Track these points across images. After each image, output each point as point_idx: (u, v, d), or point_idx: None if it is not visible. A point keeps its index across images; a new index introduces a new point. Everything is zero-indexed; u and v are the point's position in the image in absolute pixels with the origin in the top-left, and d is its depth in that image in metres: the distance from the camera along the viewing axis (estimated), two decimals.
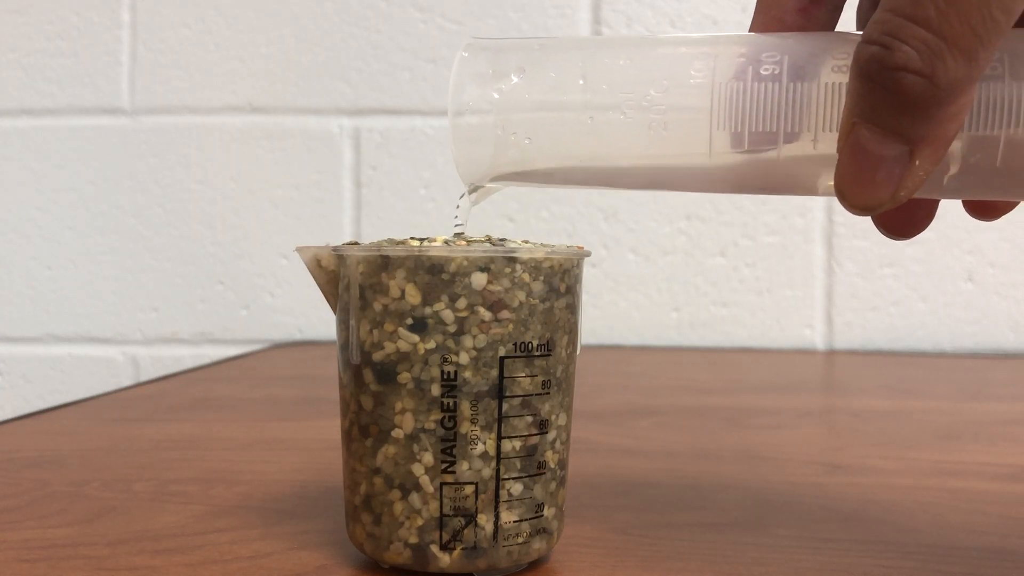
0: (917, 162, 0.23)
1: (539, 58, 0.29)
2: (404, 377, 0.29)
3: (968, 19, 0.21)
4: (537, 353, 0.29)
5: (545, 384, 0.30)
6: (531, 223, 0.97)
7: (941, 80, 0.22)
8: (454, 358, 0.28)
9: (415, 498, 0.29)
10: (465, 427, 0.29)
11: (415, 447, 0.29)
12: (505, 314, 0.29)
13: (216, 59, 0.99)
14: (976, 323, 0.94)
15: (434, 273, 0.28)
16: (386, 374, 0.29)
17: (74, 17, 1.00)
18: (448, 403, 0.29)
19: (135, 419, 0.58)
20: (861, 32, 0.24)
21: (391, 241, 0.30)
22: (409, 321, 0.29)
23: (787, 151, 0.26)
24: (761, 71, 0.26)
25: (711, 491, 0.41)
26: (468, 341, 0.28)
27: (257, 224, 0.99)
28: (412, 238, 0.30)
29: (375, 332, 0.29)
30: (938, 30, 0.21)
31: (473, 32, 0.97)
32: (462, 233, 0.31)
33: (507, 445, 0.29)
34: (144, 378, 0.98)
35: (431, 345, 0.28)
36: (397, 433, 0.29)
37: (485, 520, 0.29)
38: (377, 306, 0.29)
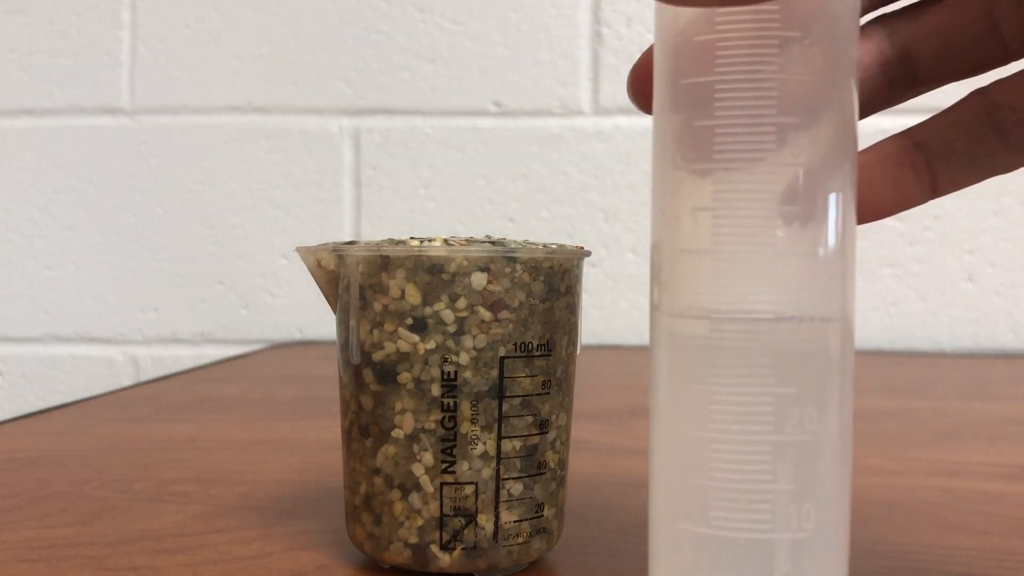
0: None
1: None
2: (404, 377, 0.29)
3: None
4: (537, 353, 0.29)
5: (545, 384, 0.30)
6: (531, 223, 0.97)
7: None
8: (454, 358, 0.28)
9: (415, 498, 0.29)
10: (465, 427, 0.29)
11: (415, 447, 0.29)
12: (505, 314, 0.29)
13: (216, 59, 0.99)
14: (976, 323, 0.94)
15: (434, 273, 0.28)
16: (386, 374, 0.29)
17: (74, 17, 1.00)
18: (448, 403, 0.29)
19: (135, 419, 0.58)
20: None
21: (391, 241, 0.30)
22: (409, 321, 0.29)
23: None
24: None
25: None
26: (468, 341, 0.28)
27: (257, 224, 0.99)
28: (412, 238, 0.30)
29: (375, 332, 0.29)
30: None
31: (473, 32, 0.97)
32: None
33: (507, 445, 0.29)
34: (144, 378, 0.98)
35: (431, 345, 0.28)
36: (397, 433, 0.29)
37: (485, 520, 0.29)
38: (377, 306, 0.29)
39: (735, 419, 0.23)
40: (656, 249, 0.25)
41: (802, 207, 0.23)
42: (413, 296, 0.29)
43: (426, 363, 0.29)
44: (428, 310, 0.28)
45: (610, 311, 0.97)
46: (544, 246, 0.30)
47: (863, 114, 0.25)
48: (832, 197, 0.24)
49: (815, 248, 0.23)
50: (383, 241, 0.30)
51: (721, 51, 0.23)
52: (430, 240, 0.30)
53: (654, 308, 0.25)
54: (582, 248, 0.31)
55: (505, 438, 0.29)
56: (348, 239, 0.97)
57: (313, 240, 0.97)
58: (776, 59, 0.23)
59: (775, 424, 0.23)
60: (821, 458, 0.24)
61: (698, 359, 0.24)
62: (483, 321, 0.29)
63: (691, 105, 0.24)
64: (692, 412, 0.24)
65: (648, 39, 0.96)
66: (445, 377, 0.29)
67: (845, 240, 0.24)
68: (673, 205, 0.24)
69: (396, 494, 0.29)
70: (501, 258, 0.29)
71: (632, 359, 0.89)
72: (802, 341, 0.24)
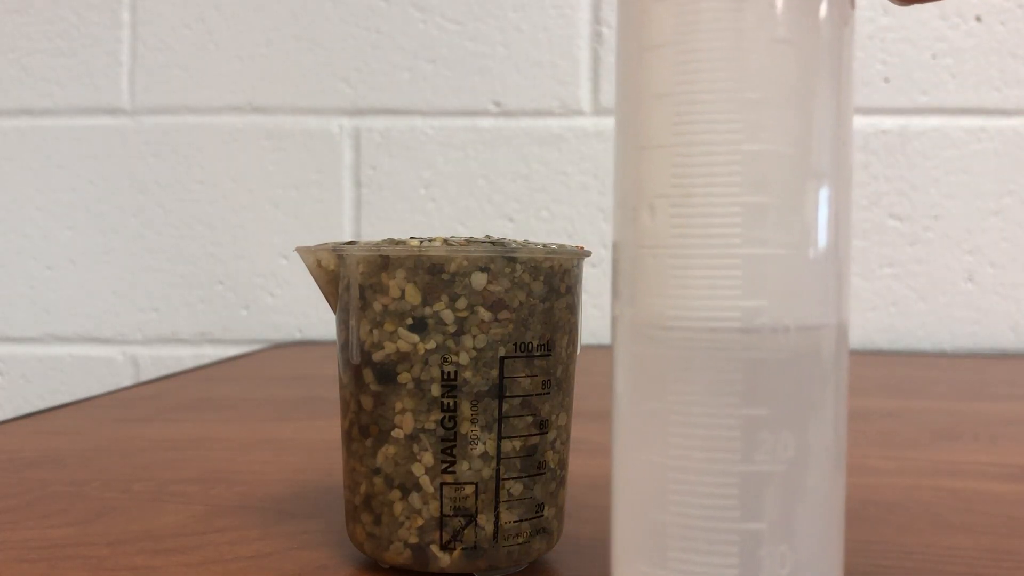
0: None
1: None
2: (404, 377, 0.29)
3: None
4: (537, 353, 0.29)
5: (545, 384, 0.30)
6: (531, 223, 0.97)
7: None
8: (454, 358, 0.28)
9: (415, 498, 0.29)
10: (465, 427, 0.29)
11: (415, 447, 0.29)
12: (505, 314, 0.29)
13: (216, 59, 0.99)
14: (976, 323, 0.94)
15: (434, 273, 0.28)
16: (386, 374, 0.29)
17: (74, 17, 1.00)
18: (448, 403, 0.29)
19: (135, 419, 0.58)
20: None
21: (391, 241, 0.30)
22: (409, 321, 0.29)
23: None
24: None
25: None
26: (468, 341, 0.28)
27: (257, 224, 0.99)
28: (412, 238, 0.30)
29: (375, 332, 0.29)
30: None
31: (473, 32, 0.97)
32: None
33: (507, 445, 0.29)
34: (144, 378, 0.98)
35: (431, 345, 0.28)
36: (397, 433, 0.29)
37: (485, 520, 0.29)
38: (377, 306, 0.29)
39: (696, 444, 0.20)
40: (615, 249, 0.22)
41: (777, 196, 0.20)
42: (413, 296, 0.29)
43: (426, 363, 0.29)
44: (428, 310, 0.28)
45: (610, 311, 0.97)
46: (544, 246, 0.30)
47: None
48: (815, 185, 0.20)
49: (793, 245, 0.20)
50: (383, 241, 0.30)
51: (687, 14, 0.20)
52: (430, 240, 0.30)
53: (613, 318, 0.22)
54: (582, 248, 0.31)
55: (505, 438, 0.29)
56: (348, 239, 0.96)
57: (313, 240, 0.96)
58: (750, 20, 0.19)
59: (743, 451, 0.20)
60: (799, 493, 0.20)
61: (656, 374, 0.20)
62: (483, 321, 0.28)
63: (653, 75, 0.20)
64: (650, 435, 0.21)
65: None
66: (445, 377, 0.29)
67: (834, 236, 0.20)
68: (632, 195, 0.21)
69: (396, 494, 0.29)
70: (501, 258, 0.29)
71: None
72: (777, 354, 0.20)
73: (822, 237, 0.20)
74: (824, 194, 0.20)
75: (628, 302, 0.21)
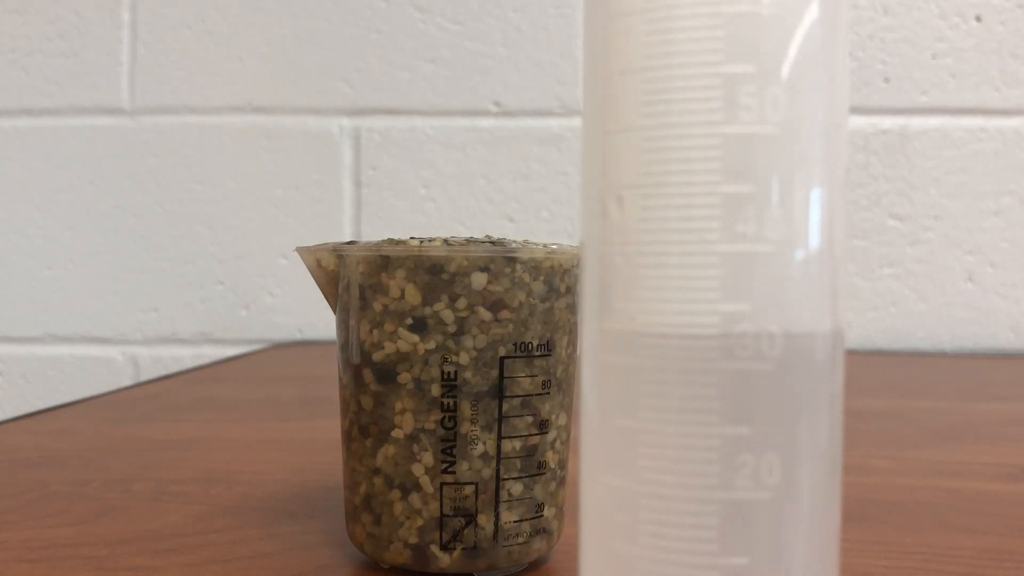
0: None
1: None
2: (404, 377, 0.29)
3: None
4: (537, 353, 0.29)
5: (545, 384, 0.30)
6: (531, 223, 0.97)
7: None
8: (454, 358, 0.28)
9: (415, 498, 0.29)
10: (465, 427, 0.29)
11: (415, 447, 0.29)
12: (505, 314, 0.29)
13: (216, 59, 0.99)
14: (976, 323, 0.94)
15: (434, 273, 0.28)
16: (386, 374, 0.29)
17: (74, 17, 1.00)
18: (448, 403, 0.29)
19: (135, 419, 0.58)
20: None
21: (391, 241, 0.30)
22: (409, 321, 0.29)
23: None
24: None
25: None
26: (468, 341, 0.28)
27: (257, 224, 0.99)
28: (412, 238, 0.30)
29: (375, 332, 0.29)
30: None
31: (473, 32, 0.97)
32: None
33: (507, 445, 0.29)
34: (144, 378, 0.98)
35: (431, 345, 0.28)
36: (397, 433, 0.29)
37: (485, 520, 0.29)
38: (377, 306, 0.29)
39: (670, 468, 0.18)
40: (582, 248, 0.20)
41: (761, 185, 0.17)
42: (413, 296, 0.29)
43: (426, 363, 0.29)
44: (428, 310, 0.28)
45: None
46: (544, 246, 0.30)
47: None
48: (805, 172, 0.18)
49: (780, 241, 0.17)
50: (383, 241, 0.30)
51: None
52: (430, 240, 0.30)
53: (580, 324, 0.20)
54: None
55: (505, 438, 0.29)
56: (348, 239, 0.97)
57: (313, 240, 0.96)
58: None
59: (722, 476, 0.17)
60: (787, 523, 0.18)
61: (625, 388, 0.18)
62: (483, 321, 0.28)
63: (620, 48, 0.18)
64: (618, 456, 0.18)
65: None
66: (445, 377, 0.28)
67: (827, 231, 0.18)
68: (598, 186, 0.19)
69: (396, 494, 0.29)
70: (501, 258, 0.29)
71: None
72: (761, 365, 0.17)
73: (813, 232, 0.18)
74: (815, 183, 0.18)
75: (594, 306, 0.19)
